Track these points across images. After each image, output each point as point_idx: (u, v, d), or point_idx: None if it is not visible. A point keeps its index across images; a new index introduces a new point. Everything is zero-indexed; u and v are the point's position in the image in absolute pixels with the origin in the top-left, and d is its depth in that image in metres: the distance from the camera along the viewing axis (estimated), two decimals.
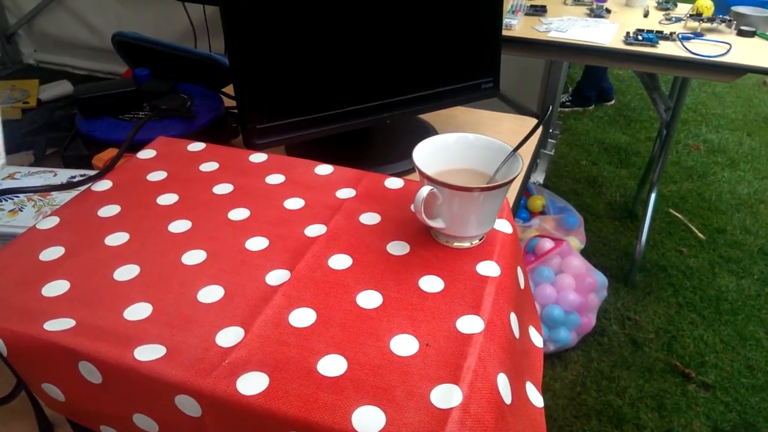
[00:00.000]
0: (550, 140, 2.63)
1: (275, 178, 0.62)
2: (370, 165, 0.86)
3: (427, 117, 1.00)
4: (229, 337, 0.43)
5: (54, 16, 3.10)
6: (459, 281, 0.49)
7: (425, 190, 0.48)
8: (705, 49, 1.48)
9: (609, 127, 3.01)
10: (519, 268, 0.55)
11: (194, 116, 0.84)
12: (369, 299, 0.47)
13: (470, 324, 0.44)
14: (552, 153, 2.66)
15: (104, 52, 2.99)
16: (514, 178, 0.48)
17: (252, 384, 0.39)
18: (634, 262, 1.94)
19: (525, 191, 2.10)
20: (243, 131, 0.75)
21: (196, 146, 0.69)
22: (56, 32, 3.13)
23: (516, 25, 1.63)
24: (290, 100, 0.77)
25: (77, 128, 0.86)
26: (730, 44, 1.50)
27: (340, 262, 0.51)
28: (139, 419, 0.44)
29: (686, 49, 1.48)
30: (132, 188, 0.61)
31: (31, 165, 1.02)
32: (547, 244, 1.73)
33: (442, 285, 0.48)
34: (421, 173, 0.49)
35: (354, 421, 0.37)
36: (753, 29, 1.60)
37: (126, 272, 0.49)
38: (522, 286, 0.55)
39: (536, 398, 0.47)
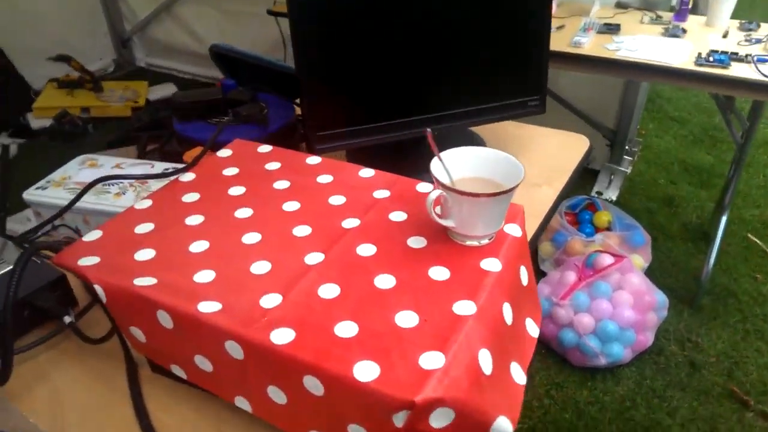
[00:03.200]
0: (626, 157, 2.60)
1: (325, 178, 0.74)
2: (419, 170, 0.95)
3: (477, 129, 1.09)
4: (269, 300, 0.54)
5: (164, 25, 3.44)
6: (463, 273, 0.57)
7: (435, 193, 0.57)
8: None
9: (693, 146, 2.92)
10: (523, 267, 0.63)
11: (267, 123, 0.98)
12: (385, 281, 0.56)
13: (465, 307, 0.53)
14: (628, 170, 2.63)
15: (206, 59, 3.27)
16: (513, 189, 0.56)
17: (282, 336, 0.50)
18: (700, 285, 1.90)
19: (591, 206, 2.11)
20: (306, 138, 0.87)
21: (265, 148, 0.81)
22: (165, 39, 3.47)
23: (585, 44, 1.67)
24: (347, 111, 0.88)
25: (174, 128, 1.01)
26: None
27: (366, 250, 0.61)
28: (199, 360, 0.56)
29: (759, 71, 1.46)
30: (210, 180, 0.74)
31: (137, 151, 1.19)
32: (607, 259, 1.75)
33: (448, 274, 0.57)
34: (435, 179, 0.58)
35: (355, 371, 0.47)
36: None
37: (198, 246, 0.62)
38: (525, 283, 0.62)
39: (519, 376, 0.55)
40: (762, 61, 1.51)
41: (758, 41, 1.65)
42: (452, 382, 0.47)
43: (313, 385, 0.49)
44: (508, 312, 0.56)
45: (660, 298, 1.72)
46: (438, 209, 0.62)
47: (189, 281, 0.57)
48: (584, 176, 2.61)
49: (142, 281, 0.57)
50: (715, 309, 1.91)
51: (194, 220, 0.66)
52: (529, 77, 0.99)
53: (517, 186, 0.57)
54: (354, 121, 0.89)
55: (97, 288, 0.57)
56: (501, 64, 0.95)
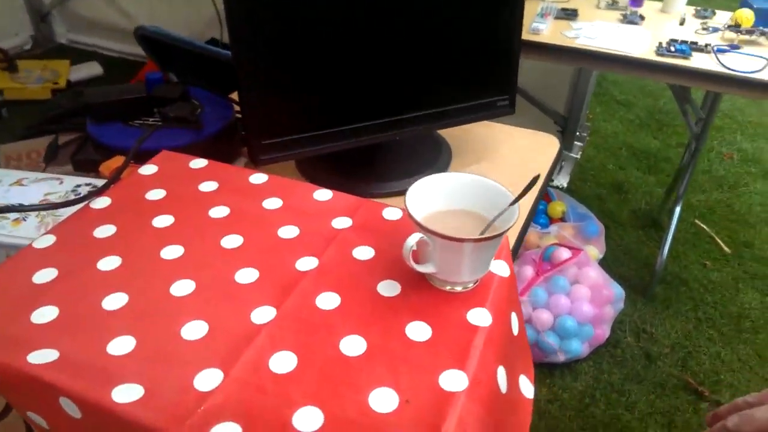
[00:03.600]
0: (576, 143, 2.57)
1: (272, 202, 0.62)
2: (381, 180, 0.85)
3: (441, 131, 0.99)
4: (207, 379, 0.43)
5: None
6: (447, 330, 0.48)
7: (414, 238, 0.46)
8: (740, 63, 1.42)
9: (640, 130, 2.93)
10: (514, 314, 0.54)
11: (201, 125, 0.84)
12: (352, 345, 0.46)
13: (454, 380, 0.43)
14: (578, 156, 2.60)
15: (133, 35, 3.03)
16: (507, 230, 0.47)
17: None
18: (654, 275, 1.89)
19: (546, 196, 2.07)
20: (248, 147, 0.75)
21: (198, 163, 0.68)
22: (88, 14, 3.16)
23: (544, 30, 1.59)
24: (297, 115, 0.76)
25: (87, 132, 0.86)
26: (767, 59, 1.43)
27: (327, 301, 0.50)
28: None
29: (720, 62, 1.42)
30: (130, 207, 0.61)
31: (45, 154, 1.01)
32: (564, 253, 1.70)
33: (429, 333, 0.47)
34: (413, 219, 0.47)
35: None
36: None
37: (114, 301, 0.49)
38: (516, 333, 0.53)
39: None
40: (721, 51, 1.48)
41: (715, 30, 1.61)
42: None
43: None
44: (502, 377, 0.47)
45: (617, 290, 1.69)
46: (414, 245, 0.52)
47: (101, 353, 0.44)
48: None
49: (40, 356, 0.44)
50: (668, 298, 1.91)
51: (109, 263, 0.53)
52: (498, 76, 0.89)
53: (510, 227, 0.47)
54: (304, 128, 0.76)
55: None
56: (468, 63, 0.85)
